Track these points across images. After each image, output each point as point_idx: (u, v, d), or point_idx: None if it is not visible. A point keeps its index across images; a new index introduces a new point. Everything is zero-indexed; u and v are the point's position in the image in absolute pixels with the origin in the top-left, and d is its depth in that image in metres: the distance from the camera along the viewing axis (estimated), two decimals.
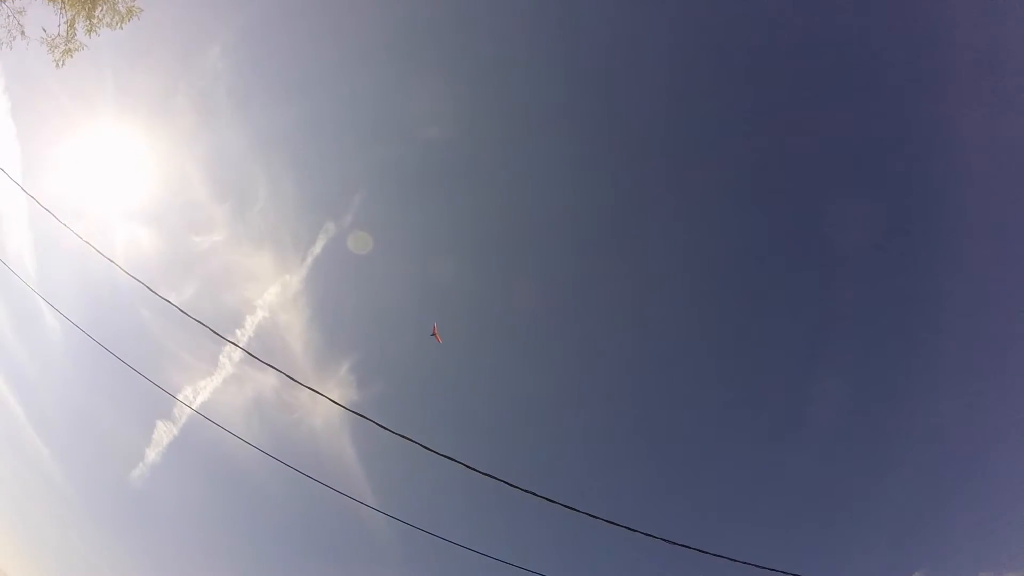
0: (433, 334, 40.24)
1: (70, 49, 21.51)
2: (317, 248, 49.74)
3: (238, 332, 45.47)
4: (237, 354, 47.03)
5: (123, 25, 20.62)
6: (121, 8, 20.39)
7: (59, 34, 21.82)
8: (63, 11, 22.03)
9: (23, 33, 22.86)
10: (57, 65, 22.08)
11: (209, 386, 48.19)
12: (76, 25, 21.24)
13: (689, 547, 10.82)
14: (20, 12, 23.01)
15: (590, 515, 11.78)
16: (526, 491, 11.82)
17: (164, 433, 50.18)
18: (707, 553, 11.03)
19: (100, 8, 20.56)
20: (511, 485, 11.84)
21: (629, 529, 11.82)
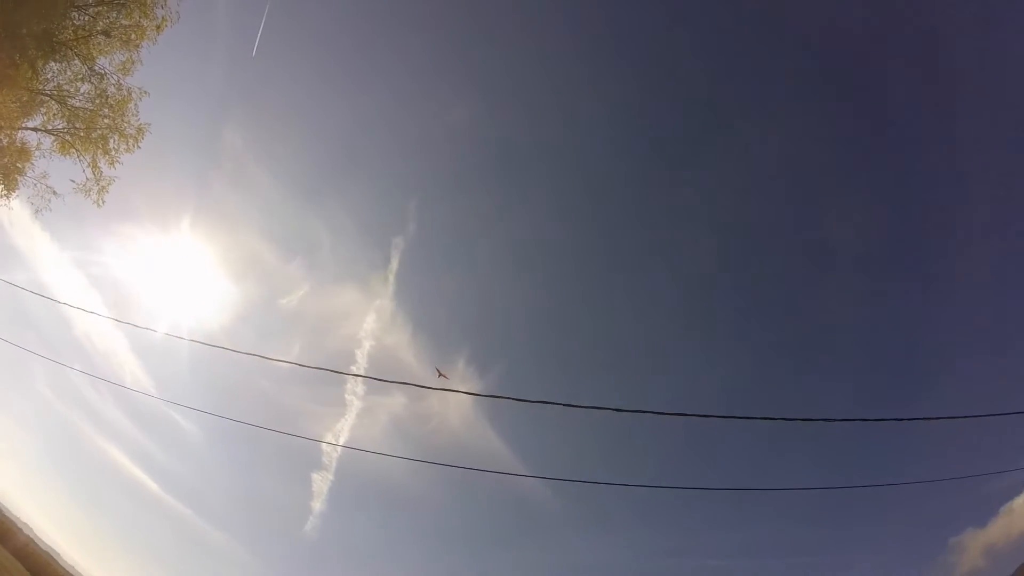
0: (441, 375, 42.88)
1: (103, 187, 22.79)
2: (394, 264, 52.11)
3: (353, 368, 48.29)
4: (360, 389, 50.10)
5: (139, 144, 21.72)
6: (130, 131, 21.45)
7: (87, 178, 23.14)
8: (80, 157, 23.36)
9: (55, 193, 24.42)
10: (98, 205, 23.39)
11: (346, 425, 51.85)
12: (99, 164, 22.45)
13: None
14: (44, 176, 24.56)
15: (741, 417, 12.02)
16: (677, 414, 11.93)
17: (321, 482, 54.60)
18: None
19: (112, 139, 21.68)
20: (658, 413, 11.96)
21: (785, 419, 11.97)
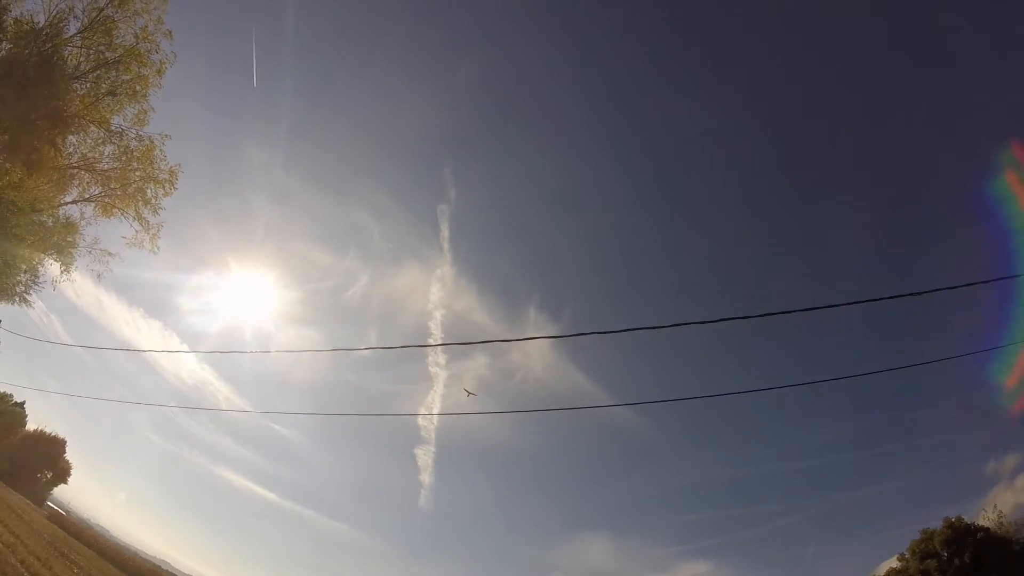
0: (470, 394, 46.17)
1: (154, 234, 24.57)
2: (445, 231, 54.26)
3: (430, 339, 51.32)
4: (442, 359, 53.07)
5: (175, 186, 23.27)
6: (163, 176, 22.94)
7: (136, 231, 24.95)
8: (123, 214, 25.13)
9: (110, 254, 26.28)
10: (153, 252, 25.23)
11: (436, 396, 55.15)
12: (143, 214, 24.20)
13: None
14: (95, 242, 26.32)
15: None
16: (761, 315, 12.37)
17: (425, 455, 58.53)
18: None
19: (149, 188, 23.32)
20: (745, 317, 12.35)
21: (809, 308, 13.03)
